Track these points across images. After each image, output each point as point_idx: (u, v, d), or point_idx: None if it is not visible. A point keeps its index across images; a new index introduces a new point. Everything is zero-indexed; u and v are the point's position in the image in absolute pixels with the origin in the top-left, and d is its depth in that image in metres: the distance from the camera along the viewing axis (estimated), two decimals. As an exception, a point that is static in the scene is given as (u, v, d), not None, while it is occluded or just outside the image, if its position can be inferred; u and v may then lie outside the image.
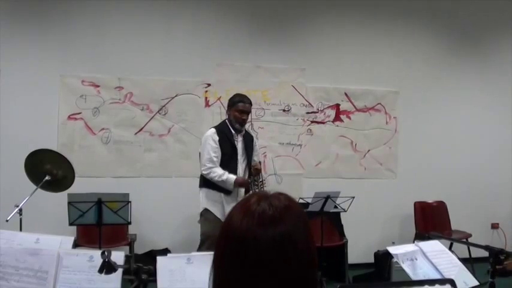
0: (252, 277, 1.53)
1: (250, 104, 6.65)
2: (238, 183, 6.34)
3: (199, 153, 6.55)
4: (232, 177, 6.30)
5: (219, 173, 6.27)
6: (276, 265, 1.52)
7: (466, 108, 9.24)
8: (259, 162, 6.75)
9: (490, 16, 9.30)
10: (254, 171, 6.56)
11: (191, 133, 8.12)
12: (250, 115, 6.78)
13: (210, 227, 6.28)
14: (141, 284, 2.83)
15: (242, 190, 6.47)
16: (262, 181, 6.61)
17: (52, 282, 3.19)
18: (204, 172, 6.35)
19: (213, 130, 6.48)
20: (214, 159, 6.31)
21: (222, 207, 6.34)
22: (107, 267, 2.81)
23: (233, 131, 6.49)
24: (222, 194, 6.37)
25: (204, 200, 6.44)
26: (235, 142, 6.49)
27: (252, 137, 6.74)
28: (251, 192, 6.47)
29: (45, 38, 7.81)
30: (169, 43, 8.17)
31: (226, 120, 6.60)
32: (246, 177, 6.55)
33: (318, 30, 8.69)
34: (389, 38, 8.95)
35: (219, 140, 6.37)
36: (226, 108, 6.78)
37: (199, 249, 6.20)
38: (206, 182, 6.44)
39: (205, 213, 6.42)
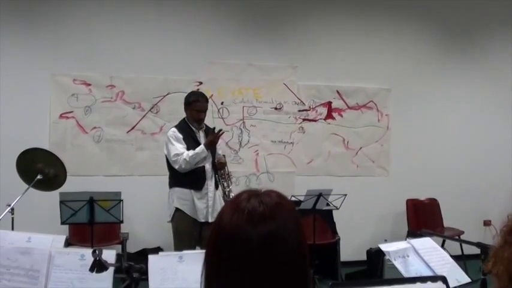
0: (242, 274, 1.53)
1: (207, 101, 6.63)
2: (207, 145, 6.28)
3: (165, 155, 6.47)
4: (199, 146, 6.28)
5: (187, 153, 6.21)
6: (266, 263, 1.52)
7: (458, 105, 9.26)
8: (224, 156, 6.71)
9: (482, 13, 9.31)
10: (219, 165, 6.52)
11: (183, 131, 8.12)
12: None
13: (181, 224, 6.31)
14: (132, 283, 2.82)
15: (211, 185, 6.44)
16: (228, 174, 6.58)
17: (44, 281, 3.19)
18: (175, 165, 6.26)
19: (174, 129, 6.43)
20: (182, 150, 6.27)
21: (192, 204, 6.32)
22: (98, 265, 2.80)
23: (194, 128, 6.47)
24: (192, 191, 6.34)
25: (175, 200, 6.39)
26: (198, 138, 6.46)
27: (213, 130, 6.67)
28: (220, 186, 6.52)
29: (37, 37, 7.79)
30: (160, 41, 8.15)
31: (185, 119, 6.54)
32: (213, 172, 6.51)
33: (309, 28, 8.69)
34: (381, 35, 8.96)
35: (183, 138, 6.34)
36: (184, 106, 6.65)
37: (178, 249, 6.12)
38: (176, 181, 6.42)
39: (177, 213, 6.38)
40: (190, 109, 6.47)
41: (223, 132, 6.58)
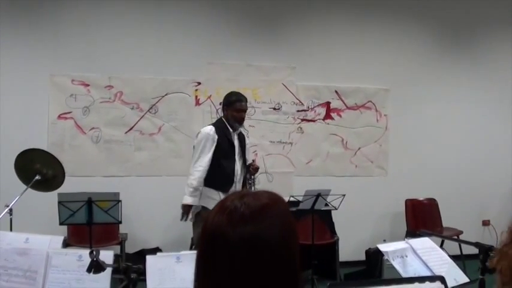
0: (223, 275, 1.53)
1: (246, 101, 6.67)
2: (183, 206, 6.33)
3: (194, 146, 6.46)
4: (194, 199, 6.31)
5: (198, 177, 6.26)
6: (246, 264, 1.52)
7: (457, 105, 9.26)
8: (253, 160, 6.71)
9: (481, 12, 9.31)
10: (253, 170, 6.53)
11: (181, 132, 8.11)
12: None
13: None
14: (130, 283, 2.82)
15: (239, 188, 6.42)
16: (254, 179, 6.60)
17: (41, 282, 3.18)
18: (189, 174, 6.30)
19: (212, 128, 6.39)
20: (202, 167, 6.27)
21: None
22: (95, 266, 2.80)
23: (231, 129, 6.46)
24: (220, 192, 6.29)
25: (203, 198, 6.31)
26: (233, 140, 6.47)
27: (244, 135, 6.73)
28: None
29: (35, 37, 7.78)
30: (159, 42, 8.15)
31: (223, 118, 6.54)
32: (243, 175, 6.52)
33: (308, 29, 8.69)
34: (380, 35, 8.96)
35: (218, 139, 6.32)
36: (221, 106, 6.67)
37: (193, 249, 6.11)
38: (206, 180, 6.35)
39: (204, 211, 6.26)
40: (231, 109, 6.46)
41: (258, 168, 6.69)
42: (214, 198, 6.28)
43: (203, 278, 1.59)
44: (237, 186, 6.44)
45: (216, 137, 6.33)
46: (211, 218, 1.59)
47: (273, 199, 1.64)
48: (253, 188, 6.54)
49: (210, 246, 1.57)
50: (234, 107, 6.45)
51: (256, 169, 6.55)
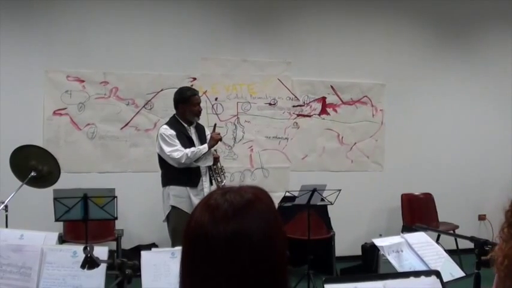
0: (206, 272, 1.52)
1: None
2: (210, 145, 6.30)
3: (158, 154, 6.44)
4: (203, 145, 6.31)
5: (190, 150, 6.20)
6: (228, 263, 1.51)
7: (453, 100, 9.26)
8: (215, 150, 6.65)
9: (476, 7, 9.30)
10: (214, 140, 6.45)
11: (177, 127, 8.11)
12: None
13: (179, 222, 6.14)
14: (125, 279, 2.81)
15: (206, 181, 6.42)
16: (221, 168, 6.56)
17: (36, 279, 3.17)
18: (174, 160, 6.20)
19: (166, 126, 6.39)
20: (180, 147, 6.23)
21: (189, 201, 6.25)
22: (89, 262, 2.78)
23: (185, 125, 6.44)
24: (188, 188, 6.30)
25: (171, 198, 6.34)
26: (190, 134, 6.44)
27: (203, 126, 6.68)
28: (214, 181, 6.49)
29: (30, 33, 7.76)
30: (154, 37, 8.14)
31: (176, 116, 6.50)
32: (207, 168, 6.46)
33: (303, 24, 8.68)
34: (375, 30, 8.96)
35: (176, 135, 6.30)
36: (174, 104, 6.55)
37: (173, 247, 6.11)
38: (171, 179, 6.38)
39: (173, 211, 6.32)
40: (189, 104, 6.42)
41: (217, 158, 6.55)
42: (182, 196, 6.32)
43: (187, 276, 1.57)
44: (204, 179, 6.41)
45: (174, 132, 6.30)
46: (195, 217, 1.58)
47: (257, 195, 1.61)
48: (223, 177, 6.53)
49: (193, 245, 1.56)
50: (192, 102, 6.44)
51: (215, 159, 6.47)
